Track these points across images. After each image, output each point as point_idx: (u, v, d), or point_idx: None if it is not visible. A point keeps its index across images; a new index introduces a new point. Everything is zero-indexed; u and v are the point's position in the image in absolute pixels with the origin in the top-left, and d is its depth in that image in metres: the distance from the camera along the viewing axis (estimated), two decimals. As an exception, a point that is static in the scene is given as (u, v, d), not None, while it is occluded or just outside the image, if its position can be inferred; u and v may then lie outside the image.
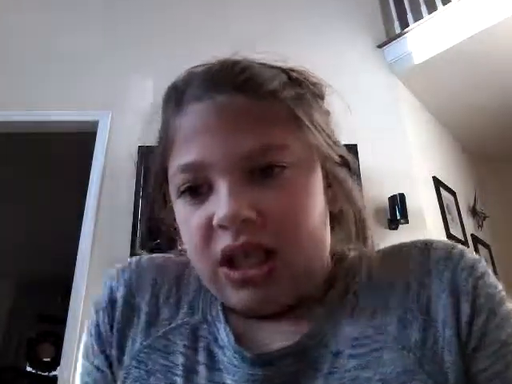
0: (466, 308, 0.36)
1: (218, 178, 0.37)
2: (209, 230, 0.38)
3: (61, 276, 2.96)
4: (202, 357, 0.40)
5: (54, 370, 5.03)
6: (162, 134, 0.44)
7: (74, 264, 2.08)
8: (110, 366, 0.43)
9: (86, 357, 0.44)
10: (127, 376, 0.41)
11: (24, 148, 3.11)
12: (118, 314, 0.44)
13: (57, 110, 2.43)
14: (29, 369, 5.29)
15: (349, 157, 0.45)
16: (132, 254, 2.01)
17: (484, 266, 0.39)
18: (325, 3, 2.94)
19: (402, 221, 2.13)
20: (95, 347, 0.44)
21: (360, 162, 1.87)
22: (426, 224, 2.26)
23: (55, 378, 2.78)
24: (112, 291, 0.46)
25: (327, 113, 0.46)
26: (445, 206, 2.67)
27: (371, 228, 0.45)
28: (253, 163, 0.38)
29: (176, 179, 0.40)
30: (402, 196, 2.16)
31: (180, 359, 0.40)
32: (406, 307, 0.38)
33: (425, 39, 2.70)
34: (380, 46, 2.82)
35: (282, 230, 0.37)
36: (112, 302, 0.45)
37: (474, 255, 0.40)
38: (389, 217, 2.16)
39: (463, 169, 3.38)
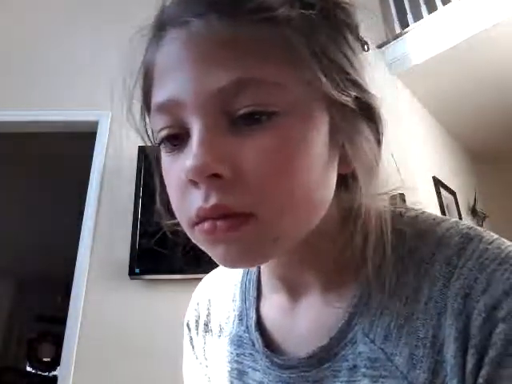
0: (471, 363, 0.31)
1: (192, 121, 0.32)
2: (183, 186, 0.34)
3: (61, 276, 2.96)
4: (248, 361, 0.45)
5: (54, 370, 5.04)
6: (141, 72, 0.39)
7: (74, 264, 2.08)
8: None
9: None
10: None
11: (24, 148, 3.11)
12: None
13: (57, 110, 2.43)
14: (29, 369, 5.29)
15: (371, 99, 0.37)
16: (132, 253, 2.01)
17: None
18: (325, 3, 2.94)
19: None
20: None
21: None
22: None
23: (55, 377, 2.78)
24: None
25: (355, 48, 0.37)
26: (445, 206, 2.67)
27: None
28: (230, 104, 0.32)
29: (154, 122, 0.36)
30: (401, 196, 2.16)
31: (235, 365, 0.46)
32: (419, 339, 0.34)
33: (425, 39, 2.70)
34: (380, 46, 2.82)
35: (260, 193, 0.31)
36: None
37: (506, 278, 0.31)
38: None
39: (463, 169, 3.38)
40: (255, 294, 0.47)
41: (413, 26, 2.75)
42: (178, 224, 0.38)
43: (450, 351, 0.32)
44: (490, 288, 0.31)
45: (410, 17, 2.85)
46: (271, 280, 0.45)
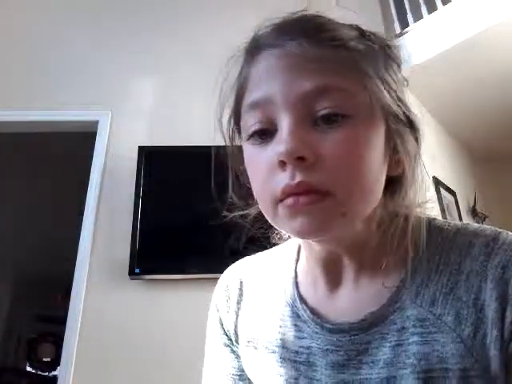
0: (508, 323, 0.41)
1: (281, 117, 0.42)
2: (271, 169, 0.43)
3: (61, 276, 2.96)
4: (291, 331, 0.51)
5: (54, 370, 5.04)
6: (237, 83, 0.49)
7: (74, 264, 2.08)
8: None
9: None
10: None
11: (24, 148, 3.11)
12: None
13: (57, 109, 2.43)
14: (29, 369, 5.30)
15: (415, 117, 0.47)
16: (132, 253, 2.01)
17: None
18: (325, 4, 2.94)
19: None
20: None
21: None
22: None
23: (55, 377, 2.78)
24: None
25: (400, 78, 0.48)
26: (445, 206, 2.67)
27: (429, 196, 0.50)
28: (313, 105, 0.42)
29: (246, 119, 0.45)
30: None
31: (277, 335, 0.53)
32: (463, 302, 0.43)
33: (425, 39, 2.70)
34: (380, 46, 2.82)
35: (336, 175, 0.41)
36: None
37: None
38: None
39: (463, 169, 3.38)
40: (293, 275, 0.55)
41: (413, 26, 2.75)
42: (243, 216, 0.51)
43: (491, 309, 0.41)
44: None
45: (409, 17, 2.84)
46: (313, 264, 0.52)
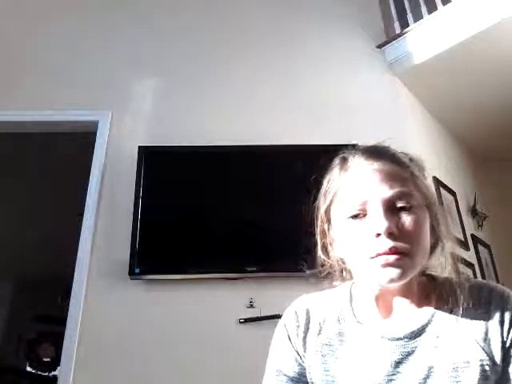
0: (505, 332, 0.67)
1: (374, 209, 0.68)
2: (369, 238, 0.68)
3: (61, 276, 2.96)
4: (349, 344, 0.75)
5: (54, 370, 5.04)
6: (329, 186, 0.76)
7: (74, 264, 2.08)
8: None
9: None
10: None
11: (24, 148, 3.11)
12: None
13: (57, 110, 2.43)
14: (29, 369, 5.29)
15: (439, 207, 0.77)
16: (132, 253, 2.01)
17: None
18: (325, 3, 2.94)
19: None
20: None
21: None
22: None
23: (55, 377, 2.78)
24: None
25: (427, 179, 0.78)
26: (445, 206, 2.67)
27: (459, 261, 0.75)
28: (394, 202, 0.69)
29: (346, 210, 0.71)
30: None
31: (338, 347, 0.75)
32: (477, 321, 0.68)
33: (425, 39, 2.70)
34: (380, 46, 2.82)
35: (410, 242, 0.67)
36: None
37: None
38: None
39: (463, 169, 3.37)
40: (350, 305, 0.79)
41: (413, 26, 2.75)
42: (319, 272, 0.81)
43: (494, 323, 0.67)
44: (510, 300, 0.69)
45: (409, 17, 2.84)
46: (369, 302, 0.75)
